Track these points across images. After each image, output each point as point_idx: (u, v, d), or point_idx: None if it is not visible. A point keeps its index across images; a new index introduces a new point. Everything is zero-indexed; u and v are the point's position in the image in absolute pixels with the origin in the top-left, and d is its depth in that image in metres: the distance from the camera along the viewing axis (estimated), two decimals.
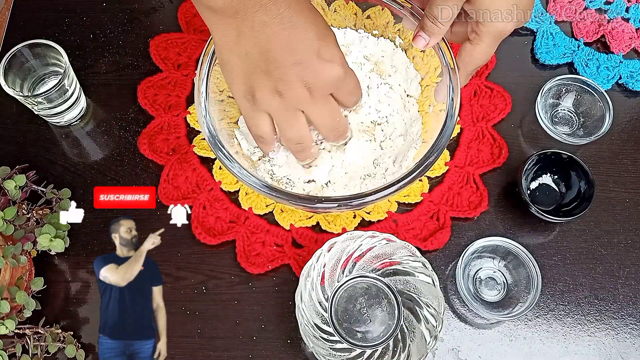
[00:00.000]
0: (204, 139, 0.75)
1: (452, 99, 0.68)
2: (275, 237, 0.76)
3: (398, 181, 0.64)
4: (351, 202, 0.64)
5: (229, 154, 0.66)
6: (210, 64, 0.69)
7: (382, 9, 0.77)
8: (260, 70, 0.58)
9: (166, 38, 0.86)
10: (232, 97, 0.74)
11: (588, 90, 0.81)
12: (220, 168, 0.78)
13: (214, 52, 0.69)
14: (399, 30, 0.77)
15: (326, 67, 0.59)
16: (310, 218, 0.76)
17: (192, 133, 0.81)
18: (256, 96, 0.60)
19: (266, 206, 0.76)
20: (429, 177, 0.79)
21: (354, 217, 0.76)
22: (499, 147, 0.80)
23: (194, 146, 0.79)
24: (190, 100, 0.82)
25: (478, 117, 0.82)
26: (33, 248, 0.69)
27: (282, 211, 0.76)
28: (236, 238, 0.75)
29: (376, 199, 0.64)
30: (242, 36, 0.57)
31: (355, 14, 0.80)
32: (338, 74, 0.60)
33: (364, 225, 0.76)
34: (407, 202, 0.77)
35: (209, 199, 0.77)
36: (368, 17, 0.79)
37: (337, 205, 0.64)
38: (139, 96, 0.82)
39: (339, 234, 0.75)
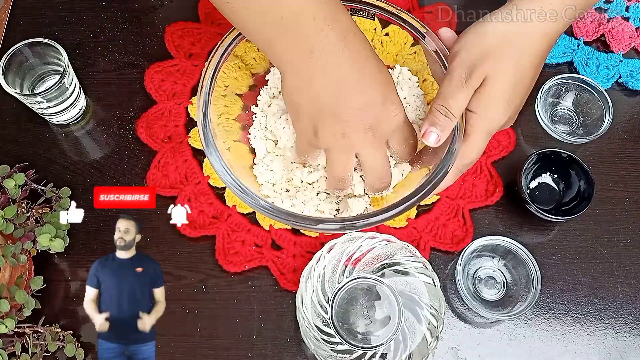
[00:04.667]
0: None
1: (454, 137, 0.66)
2: (256, 237, 0.75)
3: (400, 203, 0.64)
4: (355, 223, 0.64)
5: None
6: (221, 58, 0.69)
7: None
8: (328, 111, 0.59)
9: (183, 26, 0.86)
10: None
11: (588, 89, 0.81)
12: None
13: (227, 47, 0.69)
14: (415, 52, 0.76)
15: (390, 113, 0.61)
16: None
17: (191, 124, 0.81)
18: (319, 134, 0.61)
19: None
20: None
21: None
22: (494, 185, 0.78)
23: (190, 137, 0.79)
24: (195, 91, 0.82)
25: None
26: (33, 247, 0.69)
27: None
28: (216, 234, 0.75)
29: (380, 220, 0.64)
30: (315, 78, 0.58)
31: (375, 29, 0.78)
32: (399, 120, 0.62)
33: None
34: (391, 226, 0.76)
35: (195, 192, 0.77)
36: (386, 34, 0.78)
37: (339, 227, 0.64)
38: (145, 79, 0.83)
39: (316, 238, 0.75)
